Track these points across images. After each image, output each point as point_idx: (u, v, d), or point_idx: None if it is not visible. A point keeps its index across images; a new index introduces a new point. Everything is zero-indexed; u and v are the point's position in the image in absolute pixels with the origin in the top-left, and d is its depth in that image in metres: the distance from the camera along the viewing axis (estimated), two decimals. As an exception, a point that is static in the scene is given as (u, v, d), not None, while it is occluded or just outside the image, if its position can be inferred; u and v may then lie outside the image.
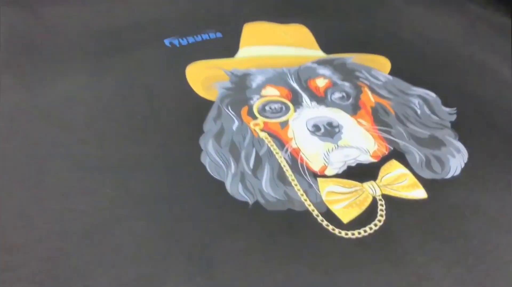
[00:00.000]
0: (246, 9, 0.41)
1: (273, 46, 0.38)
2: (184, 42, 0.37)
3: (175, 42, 0.36)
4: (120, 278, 0.22)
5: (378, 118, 0.33)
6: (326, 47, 0.39)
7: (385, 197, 0.28)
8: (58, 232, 0.24)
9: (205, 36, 0.38)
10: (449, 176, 0.29)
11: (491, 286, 0.23)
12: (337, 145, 0.30)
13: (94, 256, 0.23)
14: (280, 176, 0.28)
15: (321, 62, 0.37)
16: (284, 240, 0.25)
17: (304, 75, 0.35)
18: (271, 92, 0.34)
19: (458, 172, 0.30)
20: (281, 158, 0.29)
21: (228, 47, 0.37)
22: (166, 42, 0.37)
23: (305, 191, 0.27)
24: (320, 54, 0.39)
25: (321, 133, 0.31)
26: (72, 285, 0.22)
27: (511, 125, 0.33)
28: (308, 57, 0.38)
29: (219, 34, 0.38)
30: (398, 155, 0.30)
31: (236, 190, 0.27)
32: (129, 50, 0.36)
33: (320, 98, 0.34)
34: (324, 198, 0.27)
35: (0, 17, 0.36)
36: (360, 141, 0.31)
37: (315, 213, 0.26)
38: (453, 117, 0.33)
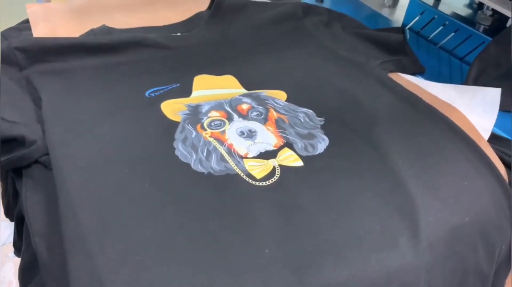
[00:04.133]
0: (193, 68, 0.61)
1: (213, 89, 0.59)
2: (157, 93, 0.58)
3: (152, 94, 0.57)
4: None
5: (279, 125, 0.54)
6: (246, 87, 0.60)
7: (280, 166, 0.48)
8: None
9: (169, 87, 0.58)
10: (317, 153, 0.50)
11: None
12: (254, 142, 0.52)
13: None
14: (222, 159, 0.49)
15: (244, 95, 0.58)
16: (225, 188, 0.46)
17: (234, 103, 0.56)
18: (214, 114, 0.55)
19: (322, 151, 0.51)
20: (221, 149, 0.50)
21: (185, 92, 0.57)
22: (146, 94, 0.57)
23: (236, 165, 0.49)
24: (243, 91, 0.61)
25: (245, 136, 0.52)
26: None
27: (361, 126, 0.56)
28: (236, 93, 0.59)
29: (178, 85, 0.59)
30: (289, 145, 0.51)
31: (197, 166, 0.48)
32: (124, 101, 0.55)
33: (244, 116, 0.55)
34: (247, 167, 0.48)
35: None
36: (267, 139, 0.52)
37: (242, 174, 0.47)
38: (322, 122, 0.55)
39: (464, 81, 0.68)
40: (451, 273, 0.44)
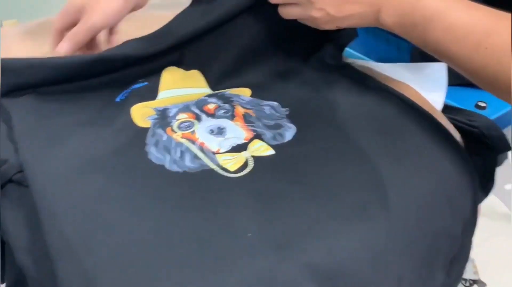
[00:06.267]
0: (160, 68, 0.63)
1: (179, 89, 0.61)
2: (126, 95, 0.58)
3: (122, 97, 0.58)
4: None
5: (246, 119, 0.56)
6: (212, 82, 0.62)
7: (253, 156, 0.50)
8: None
9: (137, 86, 0.59)
10: (286, 141, 0.52)
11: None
12: (225, 138, 0.54)
13: None
14: (196, 157, 0.50)
15: (210, 95, 0.61)
16: (202, 184, 0.47)
17: (200, 104, 0.58)
18: (182, 116, 0.57)
19: (290, 138, 0.53)
20: (194, 148, 0.51)
21: (152, 91, 0.59)
22: (117, 99, 0.58)
23: (210, 160, 0.50)
24: (208, 91, 0.62)
25: (215, 133, 0.54)
26: None
27: (324, 111, 0.59)
28: (201, 94, 0.61)
29: (145, 83, 0.60)
30: (258, 136, 0.53)
31: (172, 167, 0.49)
32: (95, 111, 0.56)
33: (212, 115, 0.57)
34: (220, 162, 0.50)
35: None
36: (237, 133, 0.54)
37: (216, 169, 0.49)
38: (287, 112, 0.57)
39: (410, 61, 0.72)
40: (422, 237, 0.47)
